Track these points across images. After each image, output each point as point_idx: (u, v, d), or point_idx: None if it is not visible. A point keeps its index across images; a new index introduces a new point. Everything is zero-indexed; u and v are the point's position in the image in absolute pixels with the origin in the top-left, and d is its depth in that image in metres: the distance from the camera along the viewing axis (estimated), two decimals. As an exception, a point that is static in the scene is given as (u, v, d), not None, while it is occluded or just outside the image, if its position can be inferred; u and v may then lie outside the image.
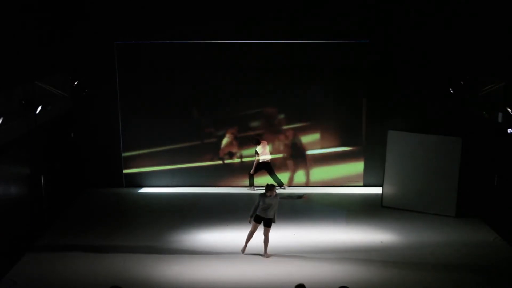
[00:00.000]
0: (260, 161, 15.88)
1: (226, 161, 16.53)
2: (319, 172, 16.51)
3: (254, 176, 16.09)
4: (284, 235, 13.02)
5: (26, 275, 11.09)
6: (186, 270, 11.23)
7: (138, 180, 16.51)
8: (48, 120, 13.54)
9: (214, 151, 16.43)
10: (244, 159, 16.50)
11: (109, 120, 16.06)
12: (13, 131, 11.55)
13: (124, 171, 16.41)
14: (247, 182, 16.34)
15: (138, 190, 16.38)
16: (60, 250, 12.20)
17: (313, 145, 16.40)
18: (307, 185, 16.52)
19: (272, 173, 15.98)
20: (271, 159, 16.03)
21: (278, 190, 16.00)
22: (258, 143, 15.83)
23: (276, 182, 15.90)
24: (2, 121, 10.66)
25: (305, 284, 8.49)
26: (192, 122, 16.29)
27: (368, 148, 16.21)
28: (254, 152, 15.91)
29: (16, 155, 12.09)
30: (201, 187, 16.40)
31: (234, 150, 16.47)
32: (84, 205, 15.25)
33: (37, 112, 12.18)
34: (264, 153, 15.87)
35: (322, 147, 16.39)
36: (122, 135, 16.22)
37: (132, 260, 11.68)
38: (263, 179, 15.98)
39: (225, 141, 16.38)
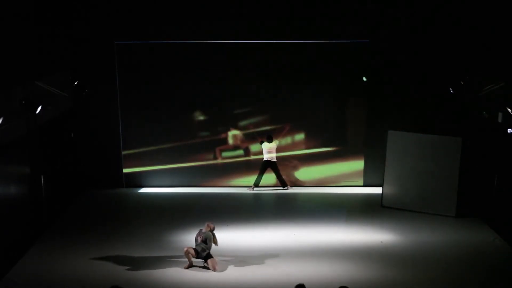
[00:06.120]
0: (266, 159, 15.92)
1: (226, 161, 16.53)
2: (319, 172, 16.51)
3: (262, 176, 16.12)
4: (284, 235, 13.03)
5: (26, 275, 11.07)
6: (186, 270, 11.22)
7: (138, 180, 16.51)
8: (48, 120, 13.53)
9: (214, 150, 16.42)
10: (244, 158, 16.51)
11: (109, 120, 16.05)
12: (13, 131, 11.54)
13: (124, 171, 16.41)
14: (247, 181, 16.36)
15: (138, 190, 16.38)
16: (60, 250, 12.20)
17: (313, 145, 16.40)
18: (307, 185, 16.53)
19: (277, 173, 16.04)
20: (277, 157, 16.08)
21: (282, 191, 16.16)
22: (270, 139, 15.86)
23: (280, 182, 16.02)
24: (2, 121, 10.65)
25: (305, 284, 8.50)
26: (192, 122, 16.29)
27: (368, 148, 16.21)
28: (261, 149, 16.01)
29: (16, 155, 12.09)
30: (201, 187, 16.40)
31: (236, 148, 16.47)
32: (84, 205, 15.25)
33: (37, 112, 12.16)
34: (271, 151, 15.89)
35: (322, 147, 16.40)
36: (122, 135, 16.22)
37: (132, 260, 11.68)
38: (267, 179, 16.16)
39: (228, 138, 16.38)
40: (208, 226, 11.51)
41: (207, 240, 11.31)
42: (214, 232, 11.52)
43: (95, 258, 11.79)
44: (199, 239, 11.35)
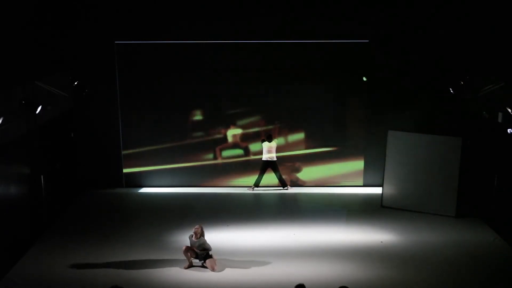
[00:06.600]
0: (266, 159, 15.90)
1: (226, 161, 16.53)
2: (319, 172, 16.50)
3: (262, 176, 16.09)
4: (284, 235, 13.03)
5: (26, 275, 11.08)
6: (186, 270, 11.22)
7: (138, 180, 16.51)
8: (48, 120, 13.53)
9: (214, 150, 16.42)
10: (244, 158, 16.51)
11: (109, 120, 16.05)
12: (13, 131, 11.54)
13: (124, 171, 16.41)
14: (247, 181, 16.36)
15: (138, 190, 16.38)
16: (60, 250, 12.20)
17: (313, 145, 16.40)
18: (307, 185, 16.53)
19: (277, 173, 16.03)
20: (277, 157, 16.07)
21: (282, 191, 16.15)
22: (270, 138, 15.84)
23: (280, 182, 16.00)
24: (2, 121, 10.65)
25: (305, 284, 8.50)
26: (192, 122, 16.29)
27: (368, 148, 16.21)
28: (261, 148, 15.98)
29: (16, 155, 12.08)
30: (201, 187, 16.40)
31: (236, 148, 16.46)
32: (84, 205, 15.25)
33: (37, 112, 12.16)
34: (271, 150, 15.87)
35: (322, 147, 16.40)
36: (122, 135, 16.22)
37: (132, 260, 11.67)
38: (267, 179, 16.15)
39: (228, 138, 16.38)
40: (195, 233, 11.31)
41: (204, 247, 11.28)
42: (203, 230, 11.44)
43: (95, 258, 11.78)
44: (198, 251, 11.28)
